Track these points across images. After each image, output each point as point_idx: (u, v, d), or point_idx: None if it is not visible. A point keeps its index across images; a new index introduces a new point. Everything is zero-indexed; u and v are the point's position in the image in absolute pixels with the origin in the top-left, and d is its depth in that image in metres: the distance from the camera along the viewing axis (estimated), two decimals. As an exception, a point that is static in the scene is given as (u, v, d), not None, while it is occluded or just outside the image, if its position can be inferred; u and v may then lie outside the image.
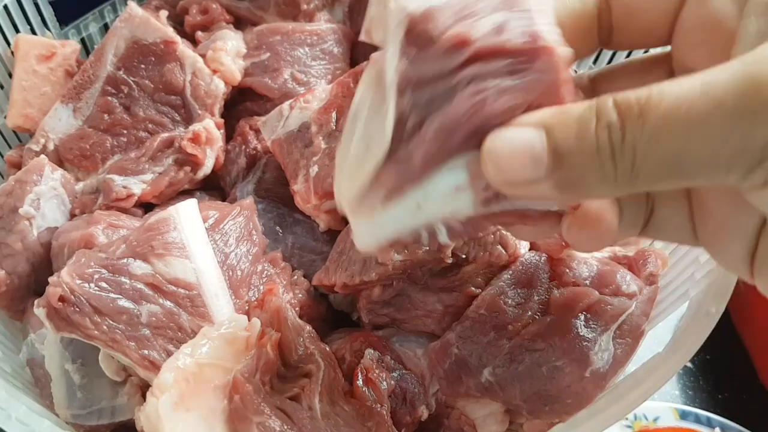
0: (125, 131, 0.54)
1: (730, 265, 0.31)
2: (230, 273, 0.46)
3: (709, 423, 0.63)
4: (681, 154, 0.24)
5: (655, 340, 0.45)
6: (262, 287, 0.47)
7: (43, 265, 0.49)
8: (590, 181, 0.26)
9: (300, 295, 0.48)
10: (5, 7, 0.56)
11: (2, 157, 0.57)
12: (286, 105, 0.48)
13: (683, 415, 0.64)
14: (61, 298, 0.40)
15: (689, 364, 0.72)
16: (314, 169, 0.46)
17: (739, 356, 0.71)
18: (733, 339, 0.72)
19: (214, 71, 0.55)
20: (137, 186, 0.51)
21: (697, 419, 0.64)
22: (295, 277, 0.49)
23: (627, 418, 0.64)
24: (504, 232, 0.47)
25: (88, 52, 0.64)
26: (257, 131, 0.56)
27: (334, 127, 0.48)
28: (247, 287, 0.46)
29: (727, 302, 0.40)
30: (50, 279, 0.41)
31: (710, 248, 0.32)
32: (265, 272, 0.48)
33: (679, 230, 0.32)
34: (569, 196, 0.28)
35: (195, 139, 0.53)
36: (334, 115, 0.48)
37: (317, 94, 0.50)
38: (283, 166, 0.49)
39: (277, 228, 0.51)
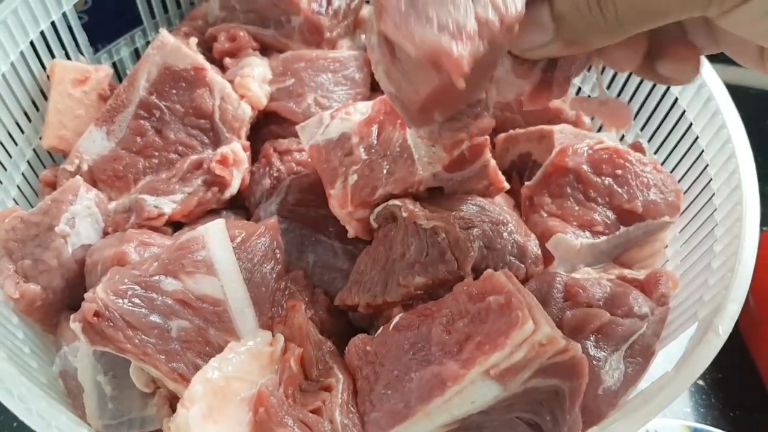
0: (156, 153, 0.56)
1: (751, 64, 0.37)
2: (255, 290, 0.48)
3: (722, 440, 0.64)
4: (648, 2, 0.32)
5: (667, 357, 0.46)
6: (285, 304, 0.49)
7: (76, 280, 0.51)
8: (587, 34, 0.34)
9: (321, 312, 0.50)
10: (42, 33, 0.59)
11: (37, 176, 0.59)
12: (326, 114, 0.51)
13: (695, 433, 0.65)
14: (96, 314, 0.43)
15: (701, 382, 0.73)
16: (353, 178, 0.49)
17: (750, 374, 0.72)
18: (744, 357, 0.72)
19: (242, 96, 0.58)
20: (168, 206, 0.53)
21: (710, 438, 0.65)
22: (316, 294, 0.51)
23: None
24: (522, 244, 0.49)
25: (119, 76, 0.67)
26: (281, 153, 0.58)
27: (375, 141, 0.50)
28: (271, 304, 0.48)
29: (734, 323, 0.41)
30: (86, 295, 0.43)
31: (732, 54, 0.38)
32: (288, 289, 0.50)
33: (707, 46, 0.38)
34: (574, 49, 0.36)
35: (223, 161, 0.55)
36: (375, 129, 0.51)
37: (359, 107, 0.52)
38: (319, 170, 0.51)
39: (300, 247, 0.53)
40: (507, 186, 0.55)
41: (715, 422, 0.68)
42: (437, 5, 0.33)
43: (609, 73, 0.65)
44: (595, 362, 0.45)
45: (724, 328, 0.40)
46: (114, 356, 0.47)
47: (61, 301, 0.51)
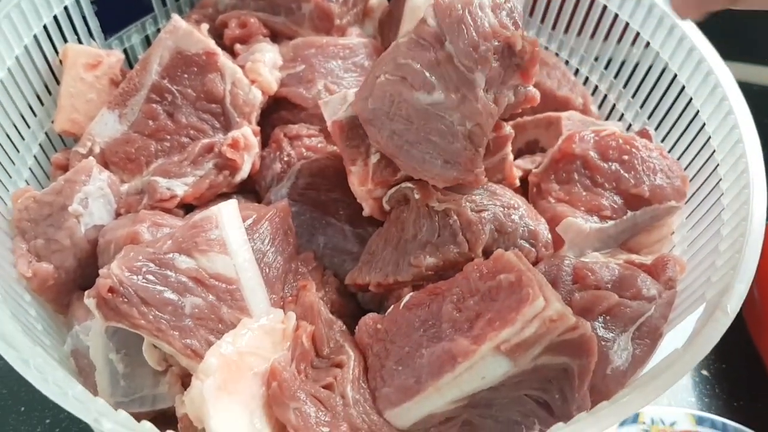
0: (168, 136, 0.56)
1: None
2: (267, 270, 0.49)
3: (725, 429, 0.65)
4: None
5: (675, 339, 0.46)
6: (296, 284, 0.49)
7: (88, 260, 0.52)
8: None
9: (331, 293, 0.51)
10: (55, 17, 0.59)
11: (49, 159, 0.60)
12: (351, 92, 0.51)
13: (699, 421, 0.66)
14: (111, 289, 0.43)
15: (705, 372, 0.73)
16: (375, 156, 0.49)
17: (754, 365, 0.72)
18: (748, 349, 0.73)
19: (252, 81, 0.58)
20: (180, 188, 0.54)
21: (713, 425, 0.65)
22: (326, 276, 0.52)
23: (645, 422, 0.65)
24: (533, 228, 0.50)
25: (130, 62, 0.67)
26: (291, 139, 0.59)
27: None
28: (282, 284, 0.49)
29: (741, 302, 0.41)
30: (101, 271, 0.44)
31: None
32: (299, 270, 0.50)
33: None
34: None
35: (234, 145, 0.55)
36: None
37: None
38: (339, 147, 0.51)
39: (310, 229, 0.54)
40: (518, 183, 0.56)
41: (719, 411, 0.69)
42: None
43: (616, 63, 0.65)
44: (603, 343, 0.45)
45: (732, 307, 0.40)
46: (126, 334, 0.47)
47: (73, 280, 0.52)
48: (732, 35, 0.84)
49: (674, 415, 0.66)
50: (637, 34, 0.61)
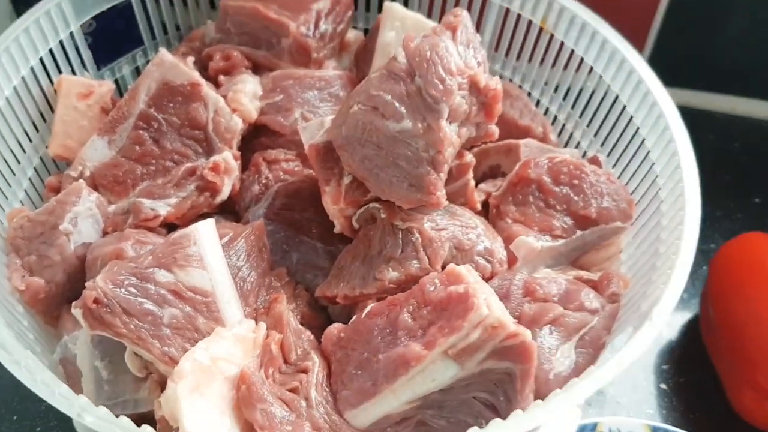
0: (154, 161, 0.61)
1: None
2: (241, 284, 0.53)
3: (679, 439, 0.68)
4: None
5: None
6: (268, 297, 0.53)
7: (77, 275, 0.56)
8: None
9: (302, 306, 0.55)
10: (50, 50, 0.64)
11: (43, 182, 0.64)
12: (328, 119, 0.55)
13: (655, 431, 0.69)
14: (96, 301, 0.47)
15: (664, 386, 0.77)
16: (348, 178, 0.54)
17: (710, 380, 0.76)
18: (705, 364, 0.77)
19: (234, 110, 0.63)
20: (163, 208, 0.58)
21: (668, 437, 0.69)
22: (298, 290, 0.56)
23: (602, 433, 0.69)
24: (489, 246, 0.54)
25: (120, 92, 0.72)
26: (270, 163, 0.63)
27: None
28: (256, 297, 0.53)
29: (669, 312, 0.45)
30: (87, 284, 0.48)
31: None
32: (272, 285, 0.55)
33: None
34: None
35: (215, 169, 0.60)
36: None
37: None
38: (315, 168, 0.55)
39: (284, 246, 0.58)
40: (479, 207, 0.60)
41: (675, 423, 0.72)
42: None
43: (573, 95, 0.70)
44: (547, 349, 0.49)
45: (660, 316, 0.44)
46: (110, 343, 0.51)
47: (63, 294, 0.55)
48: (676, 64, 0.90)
49: (631, 426, 0.69)
50: (591, 68, 0.66)
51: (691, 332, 0.81)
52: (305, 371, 0.47)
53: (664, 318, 0.45)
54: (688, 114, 1.00)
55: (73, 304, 0.48)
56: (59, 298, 0.55)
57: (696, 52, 1.01)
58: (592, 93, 0.67)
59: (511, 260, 0.56)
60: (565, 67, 0.69)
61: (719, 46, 1.00)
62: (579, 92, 0.69)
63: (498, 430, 0.39)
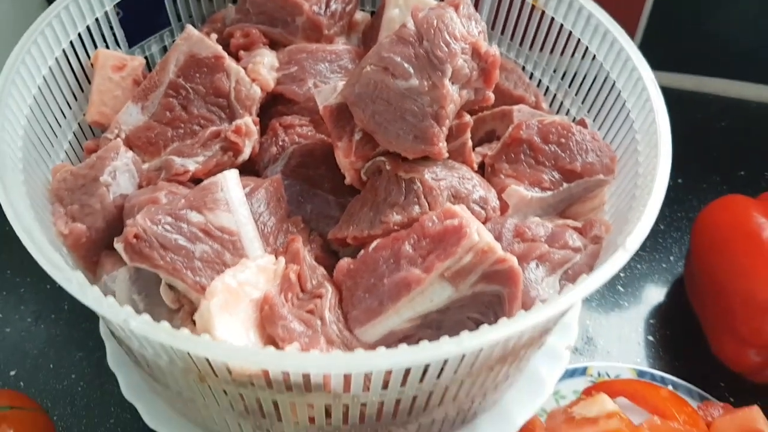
0: (182, 125, 0.67)
1: None
2: (262, 227, 0.59)
3: (663, 380, 0.74)
4: None
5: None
6: (286, 239, 0.60)
7: (115, 223, 0.62)
8: None
9: (315, 249, 0.61)
10: (87, 27, 0.71)
11: (81, 146, 0.71)
12: (340, 84, 0.61)
13: (640, 374, 0.75)
14: (136, 236, 0.54)
15: (651, 338, 0.83)
16: (359, 135, 0.60)
17: (695, 334, 0.82)
18: (691, 321, 0.83)
19: (253, 80, 0.69)
20: (192, 165, 0.64)
21: (653, 377, 0.75)
22: (312, 236, 0.62)
23: (592, 375, 0.75)
24: (484, 195, 0.60)
25: (150, 68, 0.79)
26: (286, 128, 0.70)
27: None
28: (275, 239, 0.60)
29: (640, 243, 0.51)
30: (127, 222, 0.54)
31: None
32: (289, 230, 0.61)
33: None
34: None
35: (237, 131, 0.66)
36: None
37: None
38: (329, 127, 0.61)
39: (299, 198, 0.65)
40: (476, 167, 0.66)
41: (661, 370, 0.78)
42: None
43: (563, 65, 0.76)
44: (534, 280, 0.56)
45: (632, 244, 0.50)
46: (146, 280, 0.58)
47: (102, 240, 0.62)
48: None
49: (619, 369, 0.75)
50: (579, 40, 0.72)
51: (678, 293, 0.87)
52: (320, 297, 0.54)
53: (636, 245, 0.50)
54: (678, 96, 1.09)
55: (116, 239, 0.55)
56: (99, 243, 0.62)
57: (685, 38, 1.08)
58: (580, 63, 0.73)
59: (503, 208, 0.62)
60: (555, 41, 0.75)
61: (707, 31, 1.07)
62: (568, 64, 0.75)
63: (490, 331, 0.44)
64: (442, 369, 0.49)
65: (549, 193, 0.64)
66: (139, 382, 0.67)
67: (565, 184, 0.64)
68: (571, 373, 0.75)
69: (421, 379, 0.50)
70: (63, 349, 0.80)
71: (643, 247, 0.91)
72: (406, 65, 0.57)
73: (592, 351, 0.81)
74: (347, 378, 0.48)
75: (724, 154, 1.05)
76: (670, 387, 0.73)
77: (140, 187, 0.64)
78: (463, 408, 0.61)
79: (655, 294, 0.87)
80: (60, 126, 0.69)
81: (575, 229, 0.62)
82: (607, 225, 0.61)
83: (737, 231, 0.75)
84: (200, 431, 0.64)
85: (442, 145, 0.57)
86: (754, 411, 0.65)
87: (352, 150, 0.60)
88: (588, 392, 0.72)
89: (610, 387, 0.70)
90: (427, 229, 0.52)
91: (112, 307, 0.45)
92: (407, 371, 0.48)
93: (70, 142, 0.70)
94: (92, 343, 0.80)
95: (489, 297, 0.51)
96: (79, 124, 0.71)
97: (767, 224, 0.74)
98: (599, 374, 0.74)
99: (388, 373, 0.49)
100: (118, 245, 0.54)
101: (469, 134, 0.65)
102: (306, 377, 0.47)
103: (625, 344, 0.82)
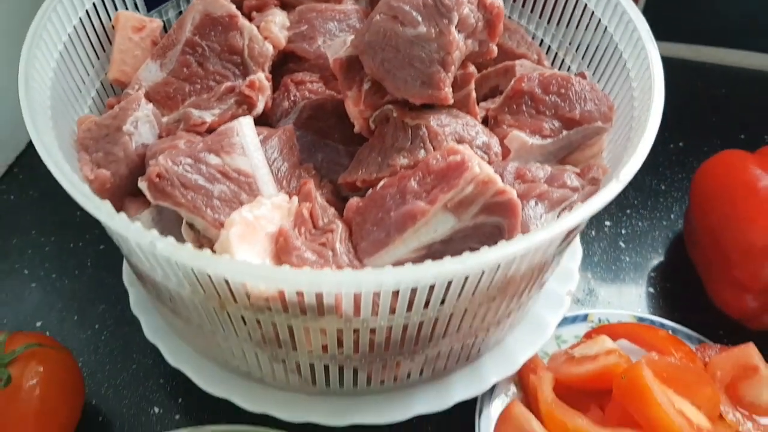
0: (199, 80, 0.71)
1: None
2: (276, 172, 0.62)
3: (662, 326, 0.77)
4: None
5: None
6: (299, 184, 0.63)
7: (137, 171, 0.65)
8: None
9: (326, 194, 0.64)
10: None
11: (104, 102, 0.74)
12: (349, 38, 0.64)
13: (640, 320, 0.78)
14: (158, 175, 0.57)
15: (651, 290, 0.86)
16: (368, 84, 0.63)
17: (694, 286, 0.85)
18: (690, 274, 0.85)
19: (265, 38, 0.73)
20: (209, 117, 0.68)
21: (652, 323, 0.78)
22: (323, 182, 0.66)
23: (593, 321, 0.78)
24: (486, 140, 0.63)
25: (166, 31, 0.82)
26: (297, 84, 0.73)
27: None
28: (288, 182, 0.63)
29: (631, 176, 0.54)
30: (150, 162, 0.58)
31: None
32: (301, 176, 0.64)
33: None
34: None
35: (251, 86, 0.70)
36: None
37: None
38: (339, 78, 0.65)
39: (311, 148, 0.68)
40: (480, 119, 0.69)
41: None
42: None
43: (555, 18, 0.79)
44: (533, 217, 0.59)
45: (625, 176, 0.53)
46: (167, 221, 0.62)
47: (125, 186, 0.65)
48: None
49: (619, 316, 0.78)
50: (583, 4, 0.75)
51: (678, 248, 0.90)
52: (331, 231, 0.57)
53: (629, 177, 0.53)
54: (680, 65, 1.12)
55: (140, 179, 0.58)
56: (122, 189, 0.65)
57: (684, 8, 1.11)
58: (580, 19, 0.76)
59: (505, 154, 0.65)
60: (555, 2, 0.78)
61: (706, 1, 1.09)
62: (568, 22, 0.78)
63: (491, 251, 0.48)
64: (446, 292, 0.52)
65: (549, 140, 0.67)
66: (161, 325, 0.71)
67: (564, 132, 0.67)
68: (572, 320, 0.77)
69: (426, 304, 0.54)
70: (86, 302, 0.84)
71: (645, 206, 0.95)
72: (414, 13, 0.60)
73: (594, 302, 0.84)
74: (357, 299, 0.51)
75: (724, 119, 1.07)
76: (669, 331, 0.75)
77: (160, 137, 0.68)
78: (467, 343, 0.64)
79: (655, 249, 0.90)
80: (84, 83, 0.72)
81: (573, 171, 0.64)
82: (604, 168, 0.64)
83: (734, 182, 0.78)
84: (219, 367, 0.67)
85: (448, 90, 0.60)
86: (750, 347, 0.67)
87: (361, 99, 0.63)
88: (589, 335, 0.75)
89: (611, 330, 0.73)
90: (432, 166, 0.56)
91: (139, 231, 0.49)
92: (413, 294, 0.51)
93: (93, 99, 0.74)
94: (114, 297, 0.84)
95: (490, 228, 0.54)
96: (101, 82, 0.75)
97: (763, 175, 0.76)
98: (600, 320, 0.77)
99: (395, 297, 0.52)
100: (142, 184, 0.58)
101: (473, 85, 0.68)
102: (319, 298, 0.51)
103: (626, 296, 0.85)
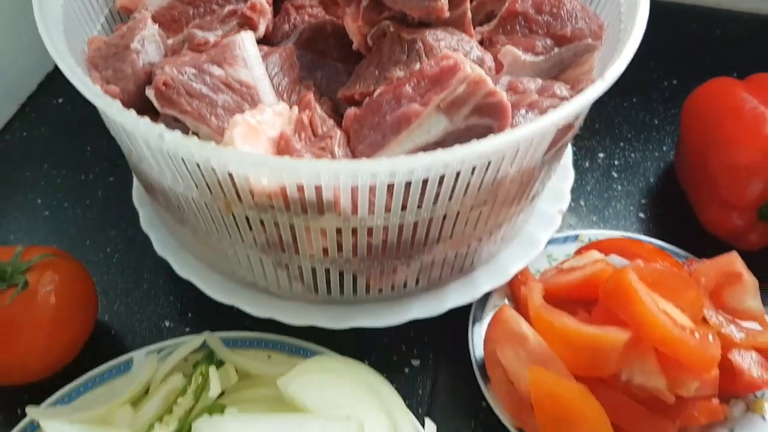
0: (202, 4, 0.73)
1: None
2: (276, 86, 0.65)
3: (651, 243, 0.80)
4: None
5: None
6: (298, 98, 0.66)
7: (144, 88, 0.68)
8: None
9: (326, 110, 0.67)
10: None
11: (112, 30, 0.77)
12: None
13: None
14: (165, 83, 0.60)
15: (642, 215, 0.89)
16: (366, 1, 0.65)
17: (684, 211, 0.87)
18: (681, 200, 0.88)
19: (267, -37, 0.75)
20: (212, 37, 0.70)
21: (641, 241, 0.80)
22: (323, 98, 0.68)
23: (583, 240, 0.81)
24: (481, 55, 0.66)
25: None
26: (297, 8, 0.75)
27: None
28: (288, 96, 0.66)
29: (618, 75, 0.56)
30: (156, 71, 0.61)
31: None
32: (301, 90, 0.67)
33: None
34: None
35: (252, 8, 0.72)
36: None
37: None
38: None
39: (310, 67, 0.70)
40: (475, 39, 0.71)
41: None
42: None
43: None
44: (524, 123, 0.61)
45: (611, 75, 0.56)
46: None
47: (133, 103, 0.67)
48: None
49: (609, 236, 0.81)
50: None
51: (669, 177, 0.93)
52: (330, 138, 0.60)
53: (614, 76, 0.56)
54: (675, 8, 1.13)
55: (147, 87, 0.61)
56: (130, 106, 0.66)
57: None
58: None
59: (498, 69, 0.68)
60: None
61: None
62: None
63: (479, 143, 0.50)
64: (438, 191, 0.55)
65: (541, 57, 0.69)
66: (170, 240, 0.74)
67: (556, 49, 0.69)
68: (563, 240, 0.80)
69: (420, 204, 0.57)
70: (98, 228, 0.88)
71: (638, 138, 0.97)
72: None
73: (585, 227, 0.87)
74: (354, 195, 0.54)
75: (718, 59, 1.09)
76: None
77: (166, 56, 0.70)
78: (460, 252, 0.68)
79: (647, 179, 0.93)
80: (93, 9, 0.75)
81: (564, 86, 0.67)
82: (593, 81, 0.66)
83: (722, 106, 0.80)
84: (225, 278, 0.71)
85: (444, 2, 0.62)
86: (733, 256, 0.70)
87: (360, 15, 0.66)
88: (579, 252, 0.78)
89: (600, 246, 0.76)
90: (426, 71, 0.58)
91: (148, 125, 0.52)
92: (407, 191, 0.54)
93: (102, 25, 0.76)
94: (124, 223, 0.87)
95: (481, 130, 0.57)
96: (109, 10, 0.78)
97: (750, 98, 0.78)
98: (590, 240, 0.80)
99: (390, 194, 0.55)
100: (150, 92, 0.61)
101: (468, 5, 0.70)
102: (318, 192, 0.54)
103: (616, 221, 0.88)
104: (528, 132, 0.52)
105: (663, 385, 0.62)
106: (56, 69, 1.06)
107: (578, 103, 0.54)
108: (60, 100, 1.06)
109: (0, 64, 1.00)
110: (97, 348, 0.74)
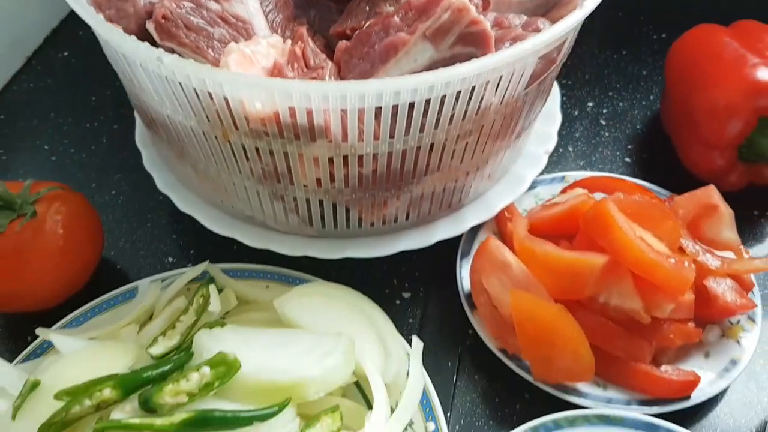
0: (200, -52, 0.76)
1: None
2: (270, 22, 0.68)
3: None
4: None
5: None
6: (291, 35, 0.68)
7: (145, 28, 0.71)
8: None
9: (319, 46, 0.70)
10: None
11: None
12: None
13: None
14: (164, 16, 0.63)
15: (628, 160, 0.91)
16: None
17: (669, 156, 0.90)
18: (666, 146, 0.91)
19: None
20: (210, -19, 0.73)
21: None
22: (316, 36, 0.71)
23: (568, 181, 0.84)
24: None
25: None
26: (293, -46, 0.78)
27: None
28: (282, 32, 0.68)
29: (596, 5, 0.59)
30: (156, 4, 0.64)
31: None
32: (295, 27, 0.70)
33: None
34: None
35: (249, -47, 0.75)
36: None
37: None
38: None
39: (304, 6, 0.73)
40: None
41: (634, 182, 0.86)
42: None
43: None
44: (507, 54, 0.64)
45: (588, 5, 0.58)
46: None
47: (135, 42, 0.71)
48: None
49: (594, 175, 0.84)
50: None
51: (655, 125, 0.95)
52: (321, 68, 0.63)
53: (593, 4, 0.58)
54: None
55: (147, 21, 0.64)
56: None
57: None
58: None
59: (485, 6, 0.70)
60: None
61: None
62: None
63: (463, 66, 0.53)
64: (424, 118, 0.58)
65: (527, -4, 0.72)
66: (171, 178, 0.77)
67: (541, -12, 0.72)
68: (550, 181, 0.83)
69: (407, 131, 0.60)
70: (102, 172, 0.91)
71: (626, 88, 1.00)
72: None
73: (572, 170, 0.90)
74: (344, 122, 0.57)
75: (707, 15, 1.11)
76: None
77: (166, -2, 0.73)
78: (448, 186, 0.71)
79: (634, 126, 0.95)
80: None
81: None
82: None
83: (705, 50, 0.83)
84: (224, 213, 0.74)
85: None
86: (711, 189, 0.73)
87: None
88: (564, 191, 0.80)
89: (584, 184, 0.79)
90: (413, 2, 0.61)
91: (147, 49, 0.55)
92: (393, 117, 0.57)
93: (103, -30, 0.79)
94: (128, 167, 0.90)
95: (465, 59, 0.60)
96: (110, -45, 0.80)
97: (732, 42, 0.81)
98: (576, 180, 0.83)
99: (378, 121, 0.58)
100: (150, 25, 0.64)
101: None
102: (309, 117, 0.57)
103: (603, 164, 0.90)
104: (509, 55, 0.55)
105: (639, 307, 0.65)
106: (61, 23, 1.10)
107: (557, 30, 0.57)
108: (65, 53, 1.09)
109: (7, 19, 1.03)
110: (103, 281, 0.78)
